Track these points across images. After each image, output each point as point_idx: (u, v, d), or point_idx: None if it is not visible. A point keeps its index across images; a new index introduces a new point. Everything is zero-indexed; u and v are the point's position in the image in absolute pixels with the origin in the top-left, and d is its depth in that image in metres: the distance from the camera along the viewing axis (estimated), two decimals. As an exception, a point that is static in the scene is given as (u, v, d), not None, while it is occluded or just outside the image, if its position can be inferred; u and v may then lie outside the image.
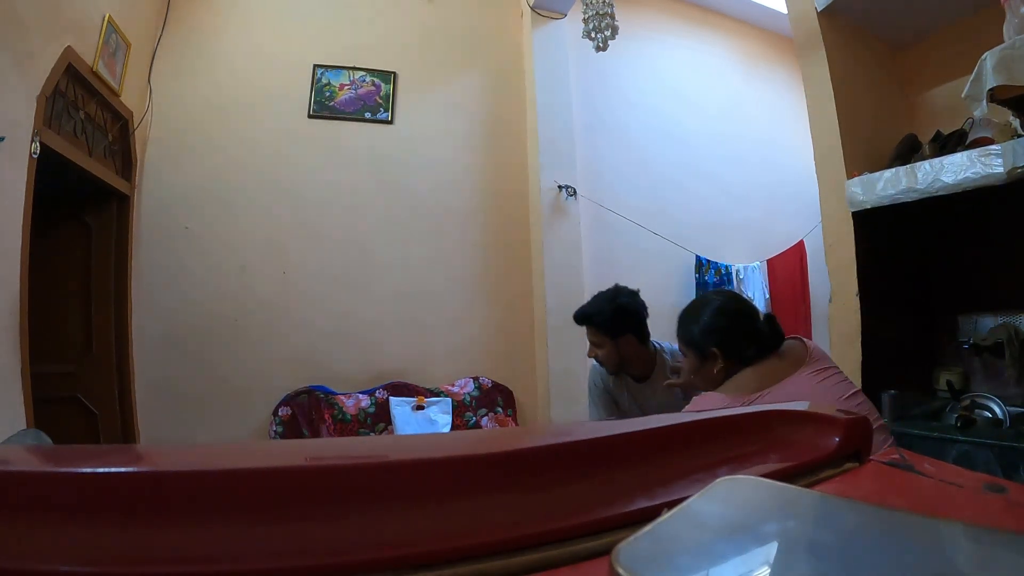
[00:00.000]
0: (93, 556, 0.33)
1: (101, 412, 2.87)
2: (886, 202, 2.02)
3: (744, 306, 1.27)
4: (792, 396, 1.09)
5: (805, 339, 1.25)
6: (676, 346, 1.56)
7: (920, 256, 2.38)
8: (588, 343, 1.79)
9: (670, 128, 4.13)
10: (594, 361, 1.85)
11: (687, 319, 1.28)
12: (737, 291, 4.02)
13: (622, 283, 1.85)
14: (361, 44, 3.63)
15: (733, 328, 1.20)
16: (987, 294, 2.18)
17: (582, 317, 1.78)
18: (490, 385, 3.49)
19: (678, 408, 1.57)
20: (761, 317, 1.24)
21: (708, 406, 1.15)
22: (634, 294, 1.79)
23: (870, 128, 2.31)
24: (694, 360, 1.25)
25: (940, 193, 1.84)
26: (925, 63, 2.45)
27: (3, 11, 1.99)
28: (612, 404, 1.84)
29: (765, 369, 1.17)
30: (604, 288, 1.85)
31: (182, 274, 3.16)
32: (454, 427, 3.26)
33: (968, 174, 1.76)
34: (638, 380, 1.79)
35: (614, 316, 1.71)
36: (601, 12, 2.48)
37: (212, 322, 3.16)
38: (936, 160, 1.89)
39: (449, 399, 3.33)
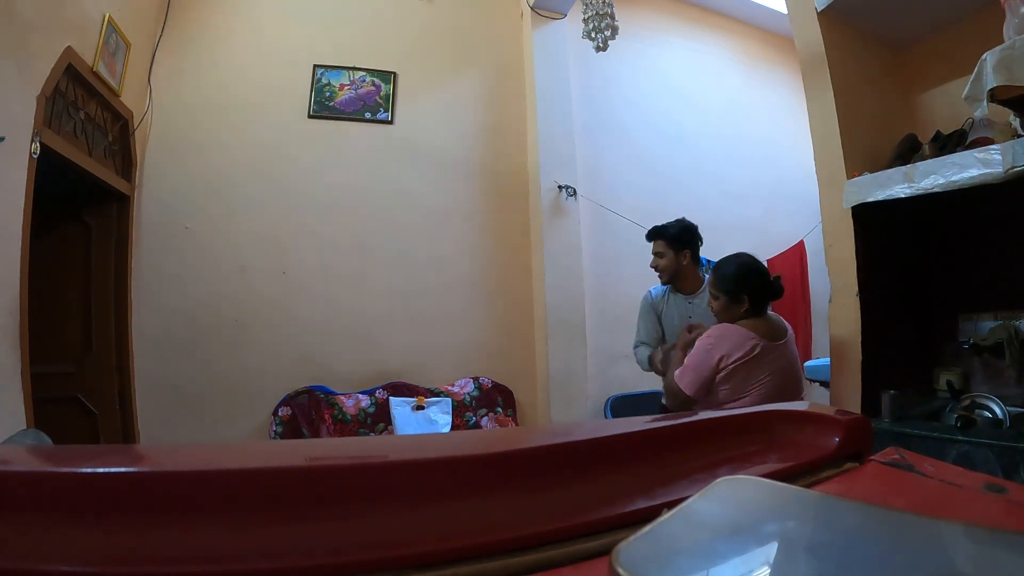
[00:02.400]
0: (93, 556, 0.33)
1: (101, 412, 2.87)
2: (883, 198, 2.01)
3: (764, 267, 1.74)
4: (786, 361, 1.63)
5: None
6: None
7: (920, 256, 2.38)
8: (652, 256, 2.22)
9: (670, 128, 4.13)
10: (645, 293, 2.29)
11: (723, 273, 1.69)
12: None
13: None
14: (361, 44, 3.63)
15: (759, 282, 1.65)
16: (987, 294, 2.18)
17: (656, 231, 2.21)
18: (490, 385, 3.49)
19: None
20: (772, 277, 1.70)
21: (729, 332, 1.60)
22: (696, 226, 2.22)
23: (870, 128, 2.30)
24: (724, 301, 1.66)
25: (937, 190, 1.84)
26: (925, 63, 2.45)
27: (3, 11, 1.99)
28: (656, 319, 2.20)
29: (770, 325, 1.64)
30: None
31: (182, 274, 3.16)
32: (454, 427, 3.26)
33: (967, 173, 1.76)
34: (687, 295, 2.18)
35: (680, 232, 2.16)
36: (601, 12, 2.48)
37: (212, 322, 3.16)
38: (936, 160, 1.89)
39: (449, 399, 3.33)
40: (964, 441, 1.68)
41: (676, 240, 2.14)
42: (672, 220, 2.22)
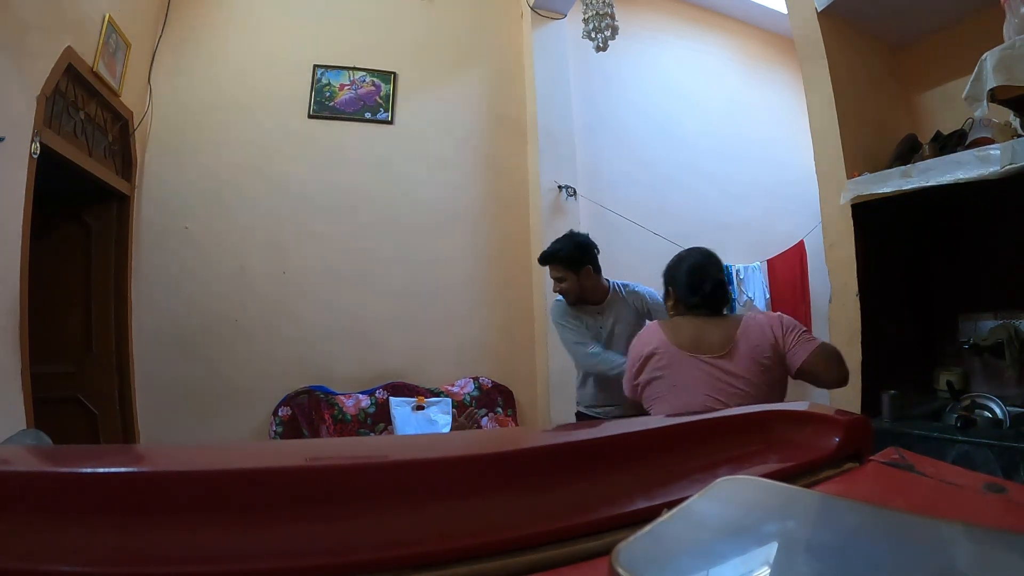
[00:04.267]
0: (93, 556, 0.33)
1: (101, 412, 2.87)
2: (881, 192, 2.01)
3: (706, 266, 1.53)
4: (695, 378, 1.38)
5: (749, 321, 1.45)
6: (637, 285, 2.09)
7: (920, 256, 2.38)
8: (552, 281, 2.05)
9: (670, 128, 4.13)
10: (554, 300, 2.13)
11: (670, 263, 1.60)
12: (738, 291, 4.01)
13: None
14: (361, 44, 3.63)
15: (685, 279, 1.51)
16: (987, 294, 2.18)
17: (548, 256, 2.04)
18: (490, 385, 3.49)
19: (631, 323, 1.98)
20: (711, 282, 1.50)
21: (645, 329, 1.57)
22: (586, 235, 2.08)
23: (870, 128, 2.31)
24: (663, 295, 1.62)
25: (933, 183, 1.83)
26: (925, 63, 2.45)
27: (3, 11, 1.99)
28: (580, 324, 2.04)
29: (697, 329, 1.45)
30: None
31: (182, 274, 3.16)
32: (454, 427, 3.26)
33: (965, 170, 1.76)
34: (596, 305, 2.04)
35: (575, 251, 2.00)
36: (601, 12, 2.48)
37: (212, 322, 3.16)
38: (935, 160, 1.89)
39: (449, 399, 3.33)
40: (964, 441, 1.68)
41: (573, 261, 1.98)
42: (560, 238, 2.07)
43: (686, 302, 1.50)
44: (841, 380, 1.39)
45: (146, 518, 0.36)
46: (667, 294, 1.58)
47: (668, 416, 1.27)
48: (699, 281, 1.50)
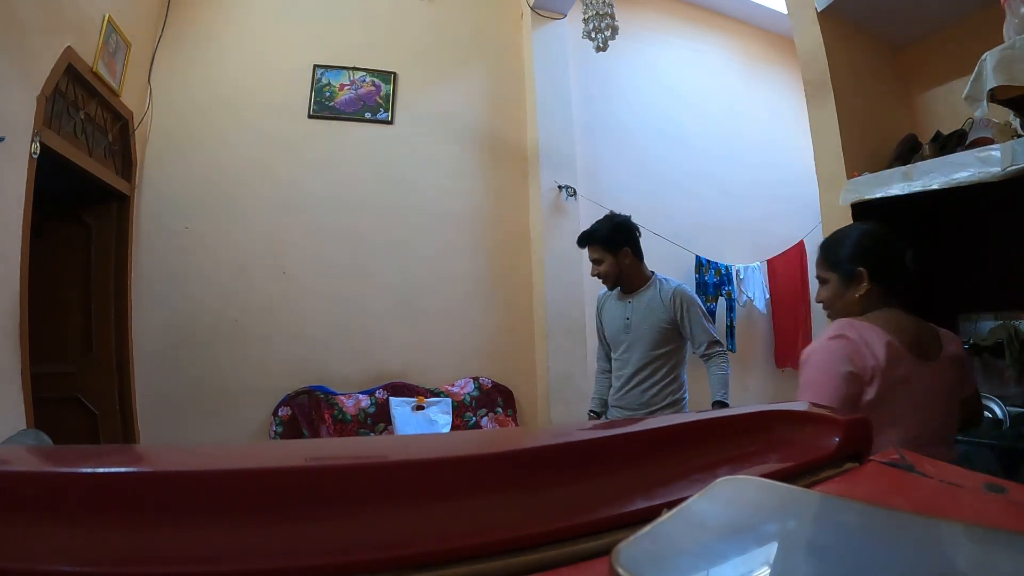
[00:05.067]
0: (93, 556, 0.33)
1: (101, 412, 2.87)
2: (881, 195, 2.02)
3: (893, 235, 1.14)
4: (931, 393, 1.02)
5: (937, 327, 1.13)
6: (679, 283, 1.96)
7: (920, 256, 2.38)
8: (591, 264, 2.00)
9: (670, 128, 4.13)
10: (598, 292, 2.13)
11: (831, 243, 1.19)
12: (738, 291, 4.01)
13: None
14: (361, 44, 3.63)
15: (883, 251, 1.11)
16: (987, 294, 2.18)
17: (584, 237, 1.99)
18: (490, 385, 3.49)
19: (656, 322, 1.89)
20: (909, 253, 1.12)
21: (856, 330, 1.04)
22: (628, 217, 2.02)
23: (870, 128, 2.31)
24: (836, 285, 1.15)
25: (935, 186, 1.83)
26: (925, 63, 2.46)
27: (3, 11, 1.99)
28: (599, 327, 2.13)
29: (917, 327, 1.07)
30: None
31: (182, 274, 3.16)
32: (454, 427, 3.26)
33: (966, 172, 1.76)
34: (629, 294, 1.99)
35: (612, 232, 1.94)
36: (601, 12, 2.48)
37: (212, 322, 3.16)
38: (935, 160, 1.89)
39: (449, 399, 3.33)
40: (964, 441, 1.68)
41: (611, 242, 1.93)
42: (599, 219, 2.02)
43: (891, 283, 1.09)
44: (975, 424, 1.20)
45: (146, 518, 0.36)
46: (850, 278, 1.12)
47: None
48: (903, 251, 1.12)
